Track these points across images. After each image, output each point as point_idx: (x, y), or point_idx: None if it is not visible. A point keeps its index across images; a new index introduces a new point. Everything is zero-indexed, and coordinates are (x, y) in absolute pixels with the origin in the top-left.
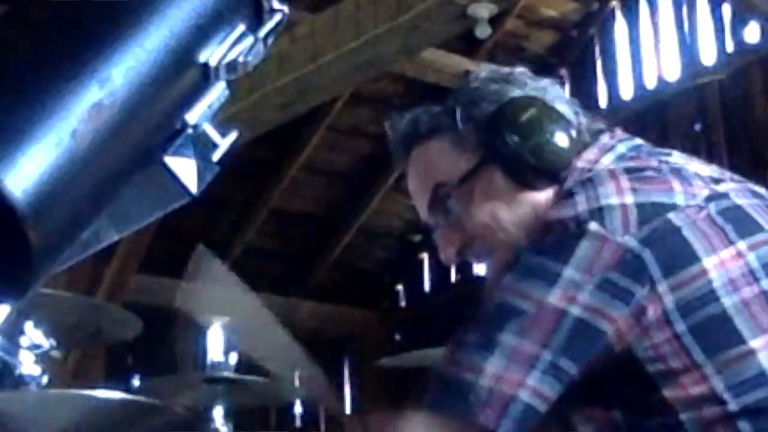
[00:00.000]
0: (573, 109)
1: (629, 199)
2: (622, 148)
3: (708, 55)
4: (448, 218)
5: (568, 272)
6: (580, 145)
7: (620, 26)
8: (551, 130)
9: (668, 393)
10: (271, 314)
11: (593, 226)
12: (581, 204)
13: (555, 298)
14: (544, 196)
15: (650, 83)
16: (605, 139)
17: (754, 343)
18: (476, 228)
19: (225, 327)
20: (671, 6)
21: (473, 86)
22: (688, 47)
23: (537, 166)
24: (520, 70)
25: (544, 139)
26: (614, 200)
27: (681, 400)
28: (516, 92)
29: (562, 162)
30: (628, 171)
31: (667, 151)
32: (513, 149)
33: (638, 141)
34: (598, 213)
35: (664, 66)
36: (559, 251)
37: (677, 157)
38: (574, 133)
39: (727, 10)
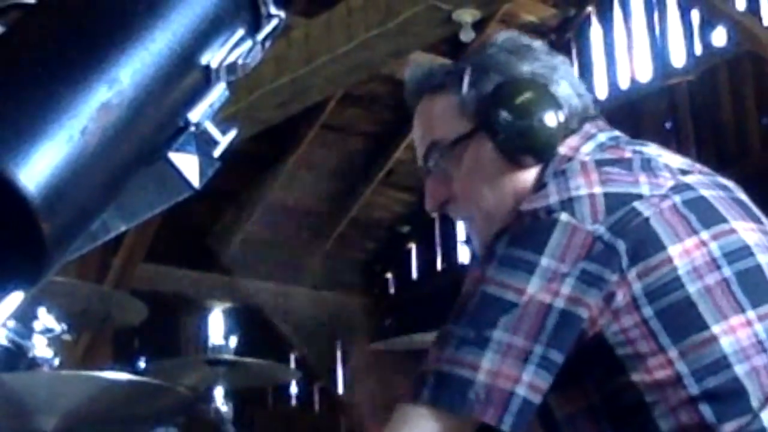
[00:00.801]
0: (576, 91)
1: (597, 190)
2: (602, 137)
3: (678, 58)
4: (438, 173)
5: (544, 261)
6: (566, 131)
7: (595, 31)
8: (541, 114)
9: (635, 376)
10: None
11: (564, 216)
12: (552, 195)
13: (534, 288)
14: (525, 177)
15: (623, 84)
16: (588, 127)
17: (716, 329)
18: (459, 190)
19: (225, 312)
20: (643, 11)
21: (488, 52)
22: (659, 50)
23: (523, 146)
24: (537, 43)
25: (533, 122)
26: (583, 191)
27: (647, 383)
28: (525, 67)
29: (546, 145)
30: (599, 163)
31: (644, 142)
32: (504, 127)
33: (617, 132)
34: (569, 203)
35: (636, 67)
36: (533, 241)
37: (652, 149)
38: (562, 118)
39: (695, 15)
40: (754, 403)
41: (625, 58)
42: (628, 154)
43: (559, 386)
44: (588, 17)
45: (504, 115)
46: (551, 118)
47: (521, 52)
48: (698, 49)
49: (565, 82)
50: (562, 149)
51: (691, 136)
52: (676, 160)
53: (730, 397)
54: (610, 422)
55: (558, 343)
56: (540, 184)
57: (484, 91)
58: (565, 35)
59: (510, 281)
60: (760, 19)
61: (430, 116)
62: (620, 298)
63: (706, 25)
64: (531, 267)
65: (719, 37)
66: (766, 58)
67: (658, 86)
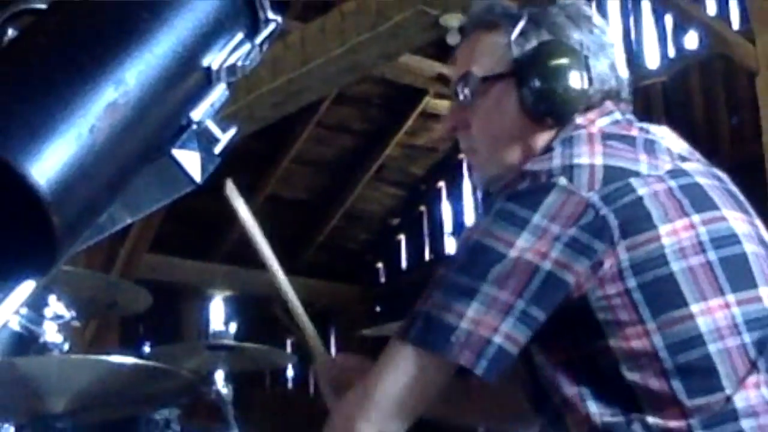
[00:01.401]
0: (616, 73)
1: (598, 161)
2: (618, 115)
3: (652, 60)
4: (464, 100)
5: (536, 218)
6: (587, 103)
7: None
8: (567, 82)
9: (612, 342)
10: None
11: (562, 180)
12: (556, 160)
13: (523, 242)
14: (537, 134)
15: None
16: (609, 104)
17: (695, 308)
18: (474, 122)
19: (225, 300)
20: (619, 16)
21: (552, 10)
22: (634, 52)
23: (541, 106)
24: (599, 19)
25: (557, 87)
26: (585, 160)
27: (623, 350)
28: (576, 35)
29: (564, 111)
30: (605, 137)
31: (654, 126)
32: (531, 83)
33: (631, 116)
34: (569, 169)
35: None
36: (530, 200)
37: (659, 130)
38: (588, 91)
39: (668, 19)
40: (724, 382)
41: None
42: (634, 132)
43: (541, 339)
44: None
45: (535, 72)
46: (576, 88)
47: (579, 20)
48: (671, 52)
49: (607, 61)
50: (579, 119)
51: None
52: (678, 146)
53: (701, 374)
54: (586, 378)
55: (540, 302)
56: (548, 147)
57: (530, 43)
58: None
59: (502, 233)
60: (730, 24)
61: (475, 48)
62: (607, 267)
63: (679, 29)
64: (523, 222)
65: (691, 40)
66: (735, 60)
67: (633, 87)
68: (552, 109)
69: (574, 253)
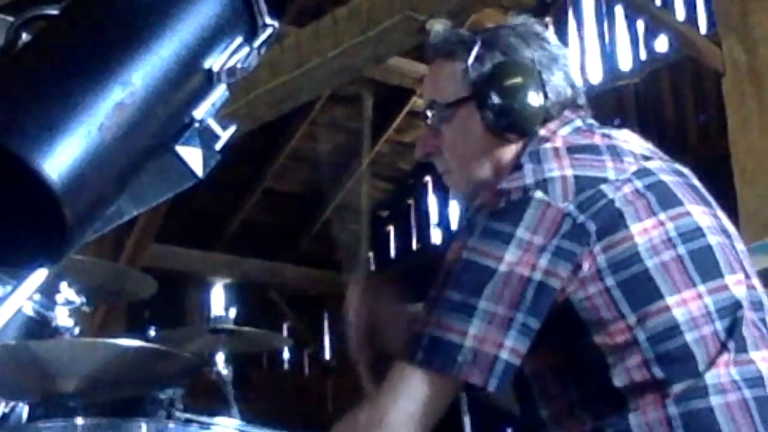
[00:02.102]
0: (570, 83)
1: (569, 172)
2: (578, 123)
3: (625, 62)
4: (432, 127)
5: (520, 232)
6: (546, 116)
7: (552, 38)
8: (526, 100)
9: (597, 339)
10: None
11: (538, 194)
12: (528, 176)
13: (511, 255)
14: (504, 149)
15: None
16: (568, 113)
17: (670, 300)
18: (444, 146)
19: (225, 287)
20: (594, 21)
21: (501, 32)
22: (608, 55)
23: (503, 123)
24: (548, 34)
25: (516, 105)
26: (556, 173)
27: (607, 345)
28: (527, 53)
29: (525, 125)
30: (570, 150)
31: (615, 128)
32: (492, 103)
33: (592, 121)
34: (543, 183)
35: (588, 70)
36: (511, 215)
37: (621, 134)
38: (545, 105)
39: (640, 24)
40: (701, 366)
41: (578, 62)
42: (597, 140)
43: (530, 347)
44: (546, 27)
45: (493, 92)
46: (533, 104)
47: (530, 38)
48: (643, 55)
49: (561, 73)
50: (542, 131)
51: (637, 132)
52: (640, 147)
53: (680, 361)
54: (573, 378)
55: (535, 311)
56: (517, 164)
57: (485, 66)
58: None
59: (489, 249)
60: (698, 28)
61: (436, 77)
62: (586, 268)
63: (650, 34)
64: (508, 237)
65: (661, 44)
66: (703, 62)
67: (607, 87)
68: (513, 124)
69: (558, 261)
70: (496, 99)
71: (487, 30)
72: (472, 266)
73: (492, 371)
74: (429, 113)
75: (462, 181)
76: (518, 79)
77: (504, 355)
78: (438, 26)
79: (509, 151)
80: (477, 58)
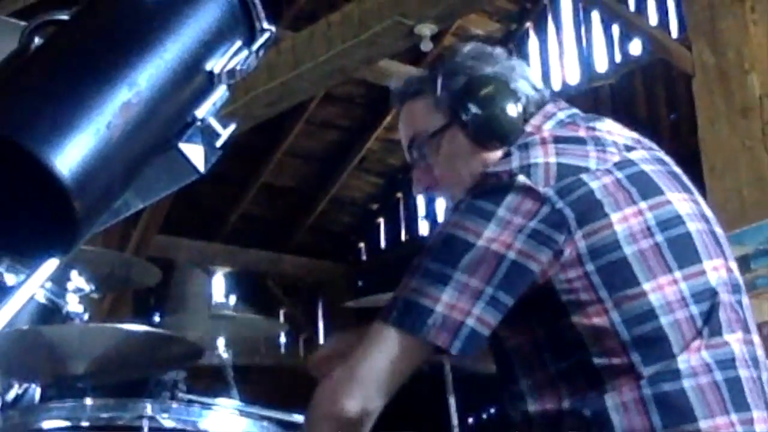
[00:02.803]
0: (533, 85)
1: (552, 159)
2: (561, 115)
3: (601, 64)
4: (421, 162)
5: (500, 211)
6: (527, 116)
7: (533, 42)
8: (503, 104)
9: (576, 320)
10: None
11: (521, 178)
12: (515, 161)
13: (490, 232)
14: (494, 156)
15: (556, 86)
16: (549, 107)
17: (646, 286)
18: (440, 174)
19: (225, 276)
20: (572, 25)
21: (456, 59)
22: (585, 57)
23: (489, 132)
24: (498, 50)
25: (496, 112)
26: (540, 160)
27: (585, 326)
28: (487, 69)
29: (509, 130)
30: (556, 140)
31: (598, 117)
32: (473, 117)
33: (575, 110)
34: (527, 168)
35: (566, 72)
36: (493, 195)
37: (604, 125)
38: (521, 107)
39: (615, 29)
40: (675, 349)
41: (557, 64)
42: (581, 132)
43: (510, 322)
44: (527, 31)
45: (471, 107)
46: (511, 108)
47: (484, 57)
48: (618, 57)
49: (522, 80)
50: (527, 128)
51: None
52: (623, 137)
53: (655, 344)
54: (552, 354)
55: (507, 287)
56: (507, 152)
57: (454, 90)
58: (508, 46)
59: (470, 225)
60: (670, 33)
61: (411, 116)
62: (567, 253)
63: (624, 37)
64: (489, 215)
65: (635, 47)
66: (674, 65)
67: (584, 88)
68: (497, 131)
69: (536, 244)
70: (475, 112)
71: (444, 61)
72: (453, 239)
73: (457, 335)
74: (414, 154)
75: (463, 191)
76: (490, 89)
77: (470, 322)
78: (426, 30)
79: (496, 156)
80: (444, 87)
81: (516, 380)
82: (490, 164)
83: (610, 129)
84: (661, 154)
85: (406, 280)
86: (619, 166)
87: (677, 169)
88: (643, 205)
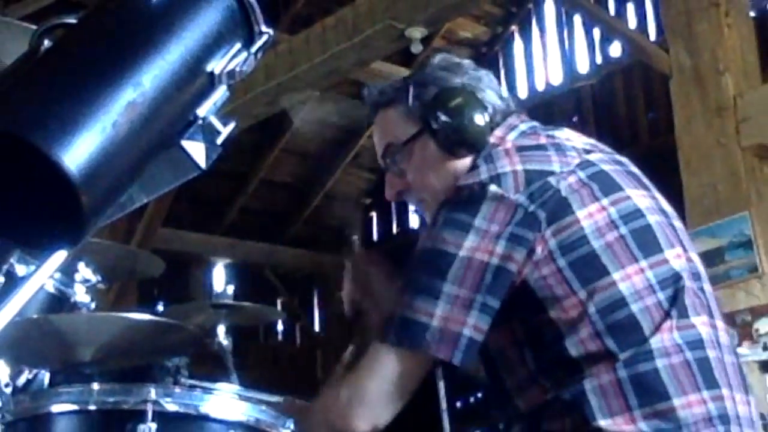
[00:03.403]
0: (499, 95)
1: (519, 167)
2: (523, 127)
3: (582, 66)
4: (394, 168)
5: (477, 222)
6: (493, 125)
7: (518, 44)
8: (471, 114)
9: (553, 314)
10: None
11: (493, 187)
12: (484, 173)
13: (469, 242)
14: (462, 164)
15: (540, 86)
16: (512, 120)
17: (616, 276)
18: (412, 180)
19: (226, 267)
20: (555, 28)
21: (426, 71)
22: (567, 59)
23: (458, 141)
24: (467, 61)
25: (465, 121)
26: (508, 168)
27: (562, 319)
28: (457, 80)
29: (477, 138)
30: (519, 149)
31: (556, 127)
32: (443, 126)
33: (535, 123)
34: (496, 178)
35: (550, 73)
36: (469, 207)
37: (563, 133)
38: (488, 117)
39: (597, 32)
40: (646, 333)
41: (541, 66)
42: (543, 140)
43: (492, 325)
44: (512, 34)
45: (441, 117)
46: (479, 118)
47: (453, 68)
48: (599, 59)
49: (490, 90)
50: (491, 139)
51: (593, 127)
52: (581, 142)
53: (627, 330)
54: (532, 351)
55: (494, 292)
56: (474, 165)
57: (425, 100)
58: (494, 48)
59: (450, 238)
60: (648, 35)
61: (385, 125)
62: (539, 251)
63: (605, 40)
64: (467, 227)
65: (615, 49)
66: (652, 66)
67: (566, 88)
68: (466, 139)
69: (513, 246)
70: (445, 121)
71: (415, 72)
72: (437, 253)
73: (457, 346)
74: (388, 160)
75: (435, 204)
76: (459, 99)
77: (467, 331)
78: (416, 33)
79: (467, 163)
80: (415, 97)
81: (502, 381)
82: (459, 172)
83: (569, 136)
84: (618, 156)
85: (398, 297)
86: (581, 166)
87: (634, 169)
88: (605, 201)
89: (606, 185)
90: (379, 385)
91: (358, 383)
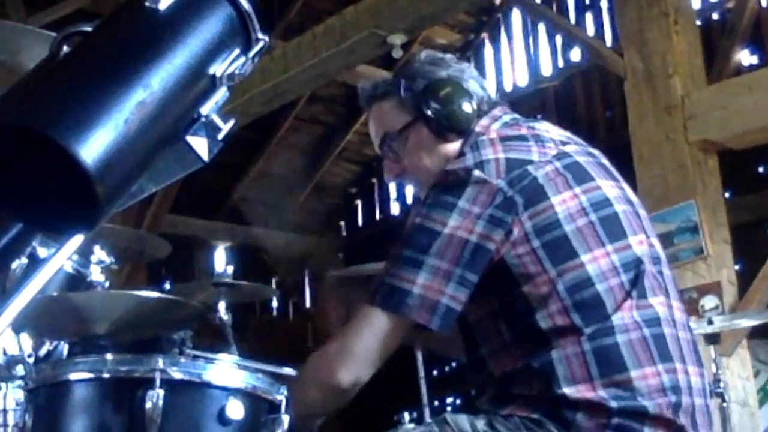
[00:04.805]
0: (481, 85)
1: (501, 155)
2: (506, 118)
3: (546, 69)
4: (391, 155)
5: (461, 203)
6: (479, 113)
7: (488, 50)
8: (460, 102)
9: (526, 289)
10: None
11: (476, 172)
12: (469, 159)
13: (453, 221)
14: (452, 147)
15: (508, 87)
16: (496, 111)
17: (584, 258)
18: (408, 164)
19: (226, 249)
20: (521, 35)
21: (415, 66)
22: (532, 63)
23: (449, 126)
24: (449, 56)
25: (455, 108)
26: (491, 156)
27: (534, 295)
28: (443, 72)
29: (465, 124)
30: (502, 139)
31: (537, 120)
32: (434, 113)
33: (517, 115)
34: (480, 164)
35: (517, 76)
36: (454, 190)
37: (542, 125)
38: (475, 104)
39: (559, 38)
40: (609, 311)
41: (508, 69)
42: (524, 131)
43: (472, 297)
44: (483, 40)
45: (433, 105)
46: (467, 105)
47: (438, 62)
48: (561, 63)
49: (472, 80)
50: (477, 128)
51: (555, 124)
52: (559, 134)
53: (592, 307)
54: (506, 323)
55: (472, 267)
56: (461, 152)
57: (416, 91)
58: (467, 53)
59: (436, 216)
60: (605, 42)
61: (380, 116)
62: (516, 233)
63: (566, 46)
64: (452, 207)
65: (576, 54)
66: (609, 69)
67: (531, 89)
68: (455, 125)
69: (492, 227)
70: (437, 108)
71: (404, 68)
72: (423, 230)
73: (435, 313)
74: (385, 148)
75: (428, 181)
76: (448, 89)
77: (445, 300)
78: (397, 39)
79: (455, 147)
80: (407, 89)
81: (477, 348)
82: (450, 155)
83: (547, 128)
84: (591, 149)
85: (385, 267)
86: (557, 157)
87: (605, 161)
88: (577, 189)
89: (579, 175)
90: (364, 342)
91: (345, 339)
